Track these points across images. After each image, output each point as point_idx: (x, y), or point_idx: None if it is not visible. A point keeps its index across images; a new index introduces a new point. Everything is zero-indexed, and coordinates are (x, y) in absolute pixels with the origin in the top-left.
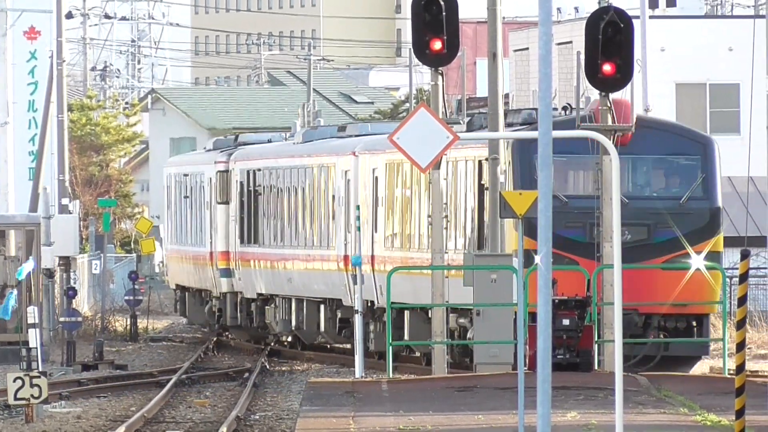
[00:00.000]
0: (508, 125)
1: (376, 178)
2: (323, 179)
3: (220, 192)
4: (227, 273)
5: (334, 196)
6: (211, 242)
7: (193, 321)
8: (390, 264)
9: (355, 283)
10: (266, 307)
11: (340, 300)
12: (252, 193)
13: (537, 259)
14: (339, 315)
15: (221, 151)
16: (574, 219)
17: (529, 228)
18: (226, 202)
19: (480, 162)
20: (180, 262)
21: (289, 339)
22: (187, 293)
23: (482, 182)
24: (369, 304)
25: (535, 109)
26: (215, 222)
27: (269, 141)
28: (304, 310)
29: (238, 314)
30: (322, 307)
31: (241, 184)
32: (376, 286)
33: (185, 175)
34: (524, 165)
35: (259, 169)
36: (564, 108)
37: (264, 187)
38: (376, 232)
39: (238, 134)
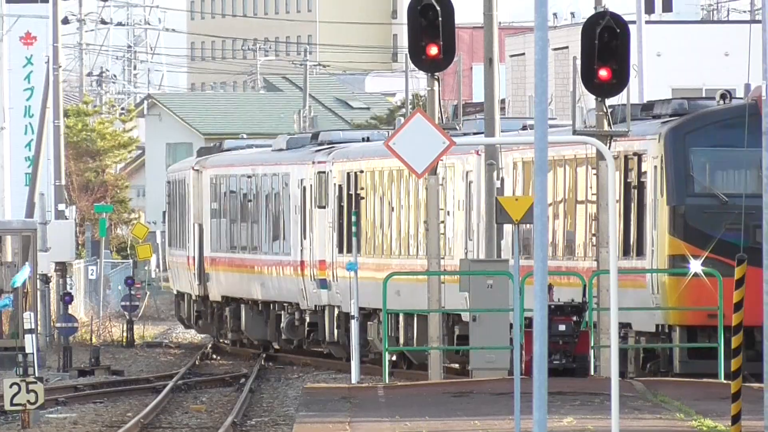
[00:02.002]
0: (656, 117)
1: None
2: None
3: (319, 195)
4: (324, 284)
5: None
6: (301, 250)
7: (253, 336)
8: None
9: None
10: (368, 322)
11: (459, 316)
12: (353, 197)
13: (693, 266)
14: (457, 332)
15: (317, 150)
16: (736, 220)
17: (686, 232)
18: (323, 207)
19: (626, 158)
20: (230, 271)
21: (394, 358)
22: (243, 306)
23: (629, 181)
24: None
25: (687, 99)
26: (310, 228)
27: (366, 139)
28: (415, 326)
29: (335, 330)
30: None
31: (340, 187)
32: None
33: (249, 176)
34: (678, 159)
35: (362, 171)
36: (722, 96)
37: (367, 191)
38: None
39: (318, 132)
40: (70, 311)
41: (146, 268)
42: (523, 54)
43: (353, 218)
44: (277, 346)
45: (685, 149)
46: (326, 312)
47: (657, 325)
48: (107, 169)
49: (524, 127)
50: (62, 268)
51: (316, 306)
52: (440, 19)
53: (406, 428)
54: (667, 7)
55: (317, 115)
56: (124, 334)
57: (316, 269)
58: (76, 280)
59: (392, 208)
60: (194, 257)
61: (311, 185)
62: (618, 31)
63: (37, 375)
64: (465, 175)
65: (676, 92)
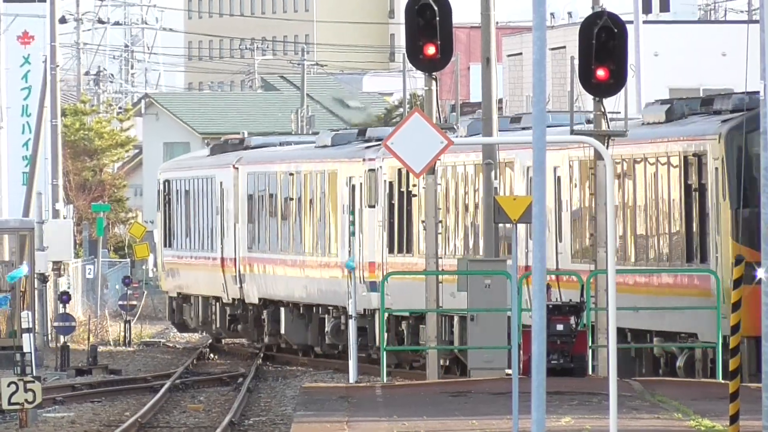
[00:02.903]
0: (716, 112)
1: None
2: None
3: (369, 194)
4: (374, 287)
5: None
6: (350, 251)
7: (293, 341)
8: None
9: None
10: (420, 326)
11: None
12: (405, 195)
13: (760, 272)
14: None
15: (367, 147)
16: None
17: (750, 237)
18: (373, 206)
19: (686, 158)
20: (269, 273)
21: (447, 363)
22: (283, 309)
23: (689, 183)
24: None
25: (750, 93)
26: (359, 228)
27: None
28: (467, 329)
29: (385, 334)
30: None
31: (391, 184)
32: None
33: (291, 174)
34: (740, 160)
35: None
36: None
37: (420, 188)
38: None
39: (364, 128)
40: (67, 310)
41: (144, 267)
42: (521, 54)
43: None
44: (319, 351)
45: (747, 150)
46: (376, 316)
47: (724, 336)
48: (104, 168)
49: (589, 121)
50: (59, 267)
51: (365, 310)
52: (438, 18)
53: (404, 428)
54: (665, 7)
55: (314, 115)
56: (122, 334)
57: (365, 271)
58: (74, 280)
59: (447, 208)
60: (231, 258)
61: (360, 183)
62: (615, 31)
63: (34, 374)
64: (526, 171)
65: (674, 92)
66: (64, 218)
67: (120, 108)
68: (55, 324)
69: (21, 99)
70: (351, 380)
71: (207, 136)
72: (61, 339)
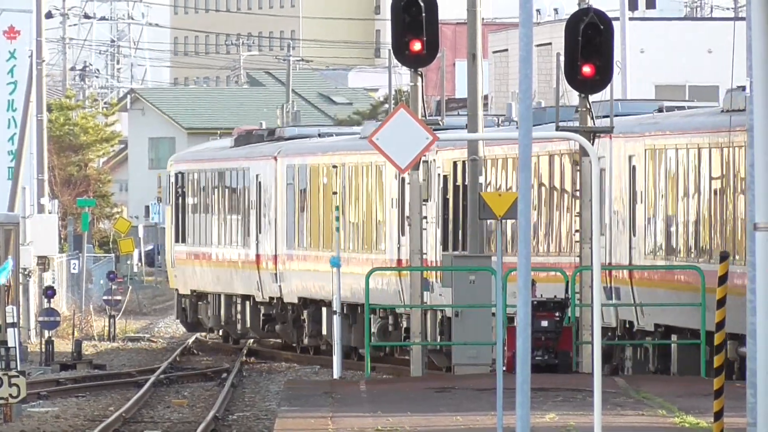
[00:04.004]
0: None
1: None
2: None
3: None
4: (426, 286)
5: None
6: (399, 248)
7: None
8: None
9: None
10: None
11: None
12: (461, 189)
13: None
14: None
15: None
16: None
17: None
18: (426, 200)
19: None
20: (310, 271)
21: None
22: (325, 309)
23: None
24: None
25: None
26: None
27: None
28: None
29: (438, 336)
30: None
31: (445, 177)
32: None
33: (334, 166)
34: None
35: (475, 159)
36: None
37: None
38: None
39: None
40: (52, 305)
41: (128, 262)
42: (506, 50)
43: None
44: (363, 353)
45: None
46: (428, 316)
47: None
48: (90, 163)
49: (660, 110)
50: (44, 262)
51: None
52: (424, 14)
53: (388, 423)
54: (651, 4)
55: (300, 110)
56: (107, 329)
57: None
58: (58, 275)
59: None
60: (268, 255)
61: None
62: (601, 27)
63: (19, 369)
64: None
65: (659, 89)
66: (49, 213)
67: (105, 103)
68: (40, 319)
69: (6, 94)
70: (335, 375)
71: (192, 132)
72: (46, 334)
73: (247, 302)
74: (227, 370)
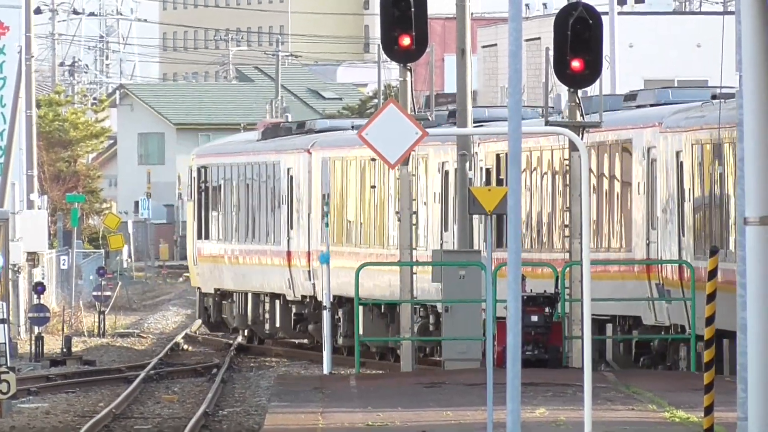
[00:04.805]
0: None
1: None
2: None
3: (463, 182)
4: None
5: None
6: (442, 244)
7: (371, 342)
8: None
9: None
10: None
11: (640, 317)
12: (505, 184)
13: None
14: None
15: None
16: None
17: None
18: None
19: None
20: (345, 268)
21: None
22: (362, 307)
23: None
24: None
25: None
26: (453, 219)
27: None
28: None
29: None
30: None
31: (488, 171)
32: None
33: (373, 159)
34: None
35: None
36: None
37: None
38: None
39: (454, 110)
40: (42, 301)
41: (118, 258)
42: (495, 45)
43: (325, 209)
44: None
45: None
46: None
47: None
48: (79, 159)
49: (714, 96)
50: (34, 258)
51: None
52: (413, 9)
53: (378, 418)
54: None
55: (289, 106)
56: (96, 325)
57: None
58: (48, 270)
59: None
60: (301, 252)
61: (455, 169)
62: (590, 22)
63: (8, 365)
64: (645, 153)
65: (648, 83)
66: (39, 209)
67: (95, 99)
68: (30, 315)
69: None
70: (325, 371)
71: (181, 127)
72: (36, 330)
73: (277, 301)
74: (217, 365)
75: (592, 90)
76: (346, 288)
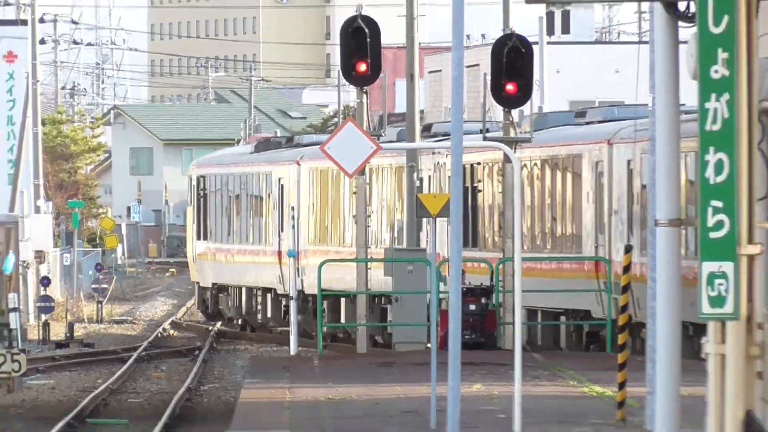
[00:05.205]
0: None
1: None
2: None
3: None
4: (442, 278)
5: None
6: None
7: (352, 330)
8: None
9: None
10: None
11: (590, 311)
12: (470, 190)
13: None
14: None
15: (435, 141)
16: None
17: None
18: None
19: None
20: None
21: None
22: (343, 300)
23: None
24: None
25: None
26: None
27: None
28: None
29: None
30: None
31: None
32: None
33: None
34: None
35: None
36: None
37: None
38: None
39: (430, 124)
40: (47, 293)
41: (113, 255)
42: (440, 71)
43: (292, 212)
44: (380, 341)
45: None
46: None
47: None
48: (79, 170)
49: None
50: (41, 255)
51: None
52: (368, 40)
53: (338, 393)
54: (566, 29)
55: (261, 124)
56: (95, 313)
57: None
58: (53, 266)
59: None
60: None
61: (429, 176)
62: (523, 50)
63: (19, 347)
64: (595, 166)
65: (573, 104)
66: (44, 213)
67: (92, 118)
68: (38, 304)
69: (6, 110)
70: (292, 352)
71: (168, 143)
72: (43, 317)
73: (268, 294)
74: (199, 347)
75: (524, 110)
76: (329, 282)
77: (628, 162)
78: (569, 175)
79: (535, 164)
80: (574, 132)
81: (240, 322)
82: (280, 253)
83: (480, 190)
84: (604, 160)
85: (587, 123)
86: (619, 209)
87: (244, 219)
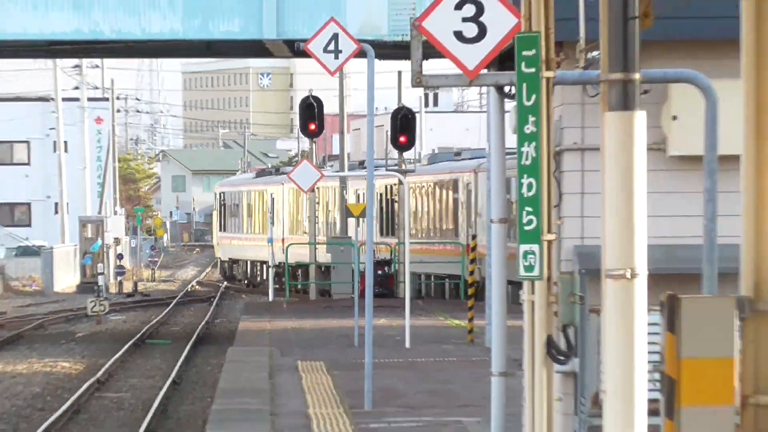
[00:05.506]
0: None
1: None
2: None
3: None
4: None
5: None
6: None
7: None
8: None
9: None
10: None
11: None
12: (390, 201)
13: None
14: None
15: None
16: None
17: None
18: (372, 208)
19: (457, 182)
20: (299, 246)
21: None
22: (311, 266)
23: (393, 197)
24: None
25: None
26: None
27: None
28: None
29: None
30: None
31: (381, 195)
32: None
33: (317, 188)
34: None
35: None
36: None
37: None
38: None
39: (460, 150)
40: (121, 263)
41: (161, 240)
42: (359, 129)
43: (270, 216)
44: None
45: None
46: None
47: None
48: (140, 189)
49: (456, 154)
50: (117, 240)
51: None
52: (316, 110)
53: (298, 324)
54: (436, 103)
55: (250, 162)
56: (151, 275)
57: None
58: (124, 247)
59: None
60: (277, 238)
61: (361, 194)
62: (410, 116)
63: (104, 296)
64: (466, 185)
65: (441, 149)
66: (119, 215)
67: (149, 157)
68: (115, 270)
69: (96, 153)
70: (270, 299)
71: (195, 172)
72: (118, 278)
73: (264, 265)
74: (213, 296)
75: (414, 152)
76: (296, 257)
77: (487, 183)
78: (450, 192)
79: (430, 185)
80: (454, 165)
81: (245, 282)
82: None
83: (396, 201)
84: (472, 182)
85: (462, 159)
86: (481, 213)
87: (248, 218)
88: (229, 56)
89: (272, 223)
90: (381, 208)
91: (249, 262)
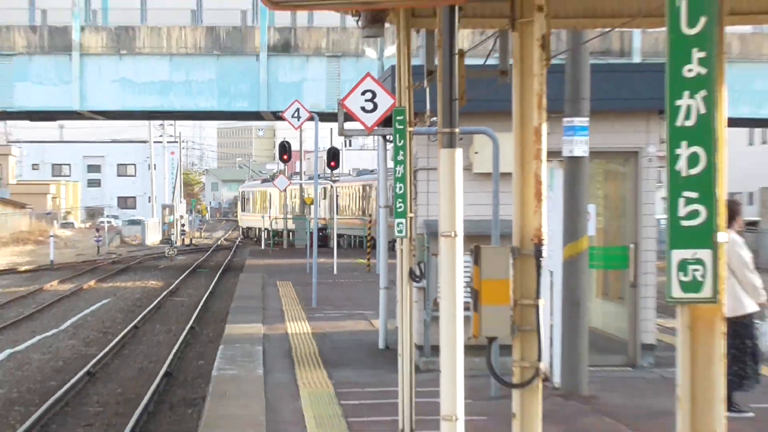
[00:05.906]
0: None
1: None
2: None
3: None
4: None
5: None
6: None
7: (299, 245)
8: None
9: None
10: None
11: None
12: (335, 196)
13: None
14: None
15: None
16: None
17: None
18: (325, 199)
19: (363, 186)
20: (286, 220)
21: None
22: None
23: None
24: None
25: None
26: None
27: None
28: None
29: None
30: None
31: (325, 189)
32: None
33: (304, 187)
34: None
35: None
36: None
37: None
38: None
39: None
40: (184, 229)
41: (205, 217)
42: (310, 158)
43: (267, 205)
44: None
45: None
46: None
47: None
48: (194, 189)
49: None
50: (181, 217)
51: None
52: (288, 148)
53: (276, 262)
54: (349, 144)
55: (254, 175)
56: (200, 236)
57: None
58: (186, 220)
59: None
60: (271, 216)
61: (323, 191)
62: (336, 151)
63: (174, 246)
64: (369, 188)
65: (354, 169)
66: (182, 203)
67: (198, 173)
68: (180, 232)
69: (171, 170)
70: (262, 248)
71: (224, 180)
72: (181, 237)
73: (267, 230)
74: (231, 246)
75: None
76: (279, 225)
77: (378, 187)
78: (362, 190)
79: (356, 188)
80: (364, 177)
81: (255, 239)
82: (270, 216)
83: (339, 196)
84: (372, 186)
85: (368, 174)
86: (383, 204)
87: (255, 205)
88: (242, 120)
89: (268, 207)
90: (322, 200)
91: (257, 229)
